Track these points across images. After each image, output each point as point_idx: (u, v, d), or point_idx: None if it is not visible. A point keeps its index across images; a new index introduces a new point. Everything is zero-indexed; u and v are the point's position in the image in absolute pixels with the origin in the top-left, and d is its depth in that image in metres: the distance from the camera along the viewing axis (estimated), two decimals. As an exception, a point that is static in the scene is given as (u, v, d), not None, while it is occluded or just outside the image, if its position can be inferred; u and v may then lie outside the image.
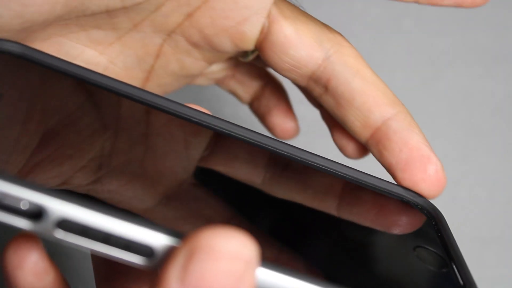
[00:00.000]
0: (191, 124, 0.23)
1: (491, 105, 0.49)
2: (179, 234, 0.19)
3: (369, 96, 0.26)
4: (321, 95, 0.27)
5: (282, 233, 0.23)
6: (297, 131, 0.32)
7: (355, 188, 0.25)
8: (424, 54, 0.49)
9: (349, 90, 0.26)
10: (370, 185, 0.25)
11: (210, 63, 0.28)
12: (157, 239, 0.19)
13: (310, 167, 0.24)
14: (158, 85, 0.28)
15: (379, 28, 0.49)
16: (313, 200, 0.25)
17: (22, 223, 0.18)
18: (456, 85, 0.49)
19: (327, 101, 0.27)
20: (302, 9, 0.28)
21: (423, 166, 0.25)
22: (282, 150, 0.25)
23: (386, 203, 0.25)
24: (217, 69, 0.30)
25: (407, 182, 0.25)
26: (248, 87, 0.32)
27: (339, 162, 0.26)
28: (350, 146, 0.29)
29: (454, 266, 0.23)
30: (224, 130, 0.24)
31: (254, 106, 0.32)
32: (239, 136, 0.25)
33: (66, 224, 0.18)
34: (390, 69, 0.49)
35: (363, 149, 0.28)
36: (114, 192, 0.21)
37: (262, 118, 0.32)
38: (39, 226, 0.18)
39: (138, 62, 0.27)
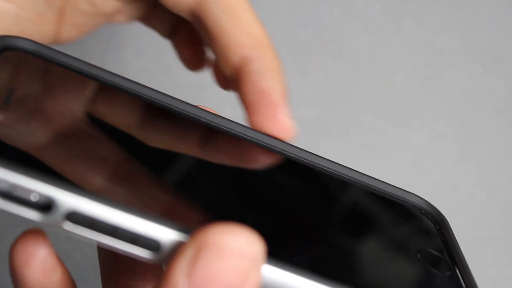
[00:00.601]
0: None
1: (491, 105, 0.49)
2: (186, 229, 0.19)
3: (233, 36, 0.26)
4: (201, 31, 0.28)
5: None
6: (204, 63, 0.33)
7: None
8: (424, 54, 0.49)
9: (218, 28, 0.27)
10: (375, 188, 0.26)
11: (123, 1, 0.29)
12: (164, 234, 0.19)
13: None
14: (74, 25, 0.28)
15: (379, 28, 0.49)
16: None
17: (31, 215, 0.19)
18: (456, 85, 0.49)
19: (204, 37, 0.28)
20: None
21: (269, 110, 0.25)
22: (284, 150, 0.25)
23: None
24: (136, 7, 0.31)
25: (254, 125, 0.25)
26: (166, 23, 0.32)
27: (348, 166, 0.26)
28: (223, 81, 0.30)
29: (457, 270, 0.23)
30: (231, 130, 0.25)
31: (173, 41, 0.33)
32: (243, 136, 0.25)
33: (75, 217, 0.19)
34: (390, 69, 0.49)
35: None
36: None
37: (177, 51, 0.33)
38: (48, 218, 0.19)
39: (47, 5, 0.27)
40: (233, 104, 0.47)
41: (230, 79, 0.27)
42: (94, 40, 0.47)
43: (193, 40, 0.32)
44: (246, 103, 0.26)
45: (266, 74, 0.26)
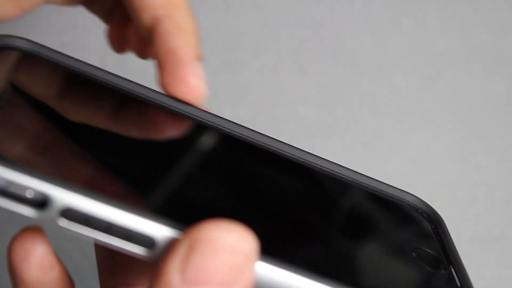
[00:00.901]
0: None
1: (491, 105, 0.49)
2: (181, 226, 0.19)
3: None
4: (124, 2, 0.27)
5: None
6: (128, 43, 0.32)
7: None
8: (424, 54, 0.49)
9: None
10: (370, 187, 0.26)
11: None
12: (159, 231, 0.19)
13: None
14: (9, 0, 0.27)
15: (379, 28, 0.49)
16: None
17: (27, 211, 0.19)
18: (456, 85, 0.49)
19: (125, 6, 0.27)
20: None
21: (176, 70, 0.24)
22: (286, 152, 0.25)
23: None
24: None
25: (163, 86, 0.25)
26: (105, 6, 0.32)
27: (345, 165, 0.26)
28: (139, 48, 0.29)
29: (452, 268, 0.23)
30: (227, 130, 0.25)
31: (109, 25, 0.32)
32: (243, 136, 0.25)
33: (70, 213, 0.19)
34: (390, 69, 0.49)
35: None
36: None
37: (108, 33, 0.32)
38: (43, 214, 0.19)
39: None
40: (233, 104, 0.47)
41: (148, 43, 0.26)
42: (94, 40, 0.47)
43: (124, 20, 0.31)
44: (157, 65, 0.25)
45: (175, 33, 0.25)
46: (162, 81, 0.24)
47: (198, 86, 0.24)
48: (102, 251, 0.25)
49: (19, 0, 0.28)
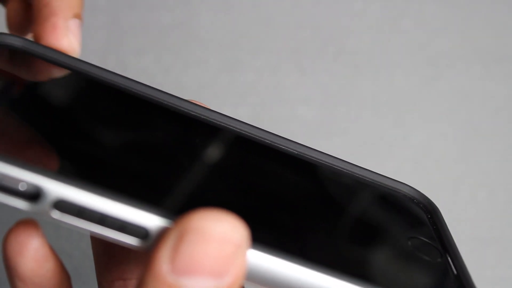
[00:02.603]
0: None
1: (491, 106, 0.49)
2: (174, 216, 0.19)
3: None
4: None
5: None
6: (27, 24, 0.30)
7: None
8: (424, 54, 0.49)
9: None
10: (367, 178, 0.26)
11: None
12: (152, 221, 0.19)
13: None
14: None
15: (379, 28, 0.49)
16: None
17: (20, 204, 0.19)
18: (456, 85, 0.49)
19: None
20: None
21: (48, 22, 0.23)
22: (281, 144, 0.25)
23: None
24: None
25: (34, 36, 0.24)
26: None
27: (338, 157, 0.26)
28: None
29: (448, 257, 0.23)
30: (225, 125, 0.25)
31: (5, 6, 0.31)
32: (240, 131, 0.25)
33: (63, 205, 0.19)
34: (390, 69, 0.49)
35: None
36: None
37: (7, 15, 0.30)
38: (36, 207, 0.19)
39: None
40: (234, 104, 0.47)
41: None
42: (94, 40, 0.47)
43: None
44: (33, 18, 0.24)
45: None
46: (33, 31, 0.24)
47: (69, 40, 0.24)
48: (98, 246, 0.25)
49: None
